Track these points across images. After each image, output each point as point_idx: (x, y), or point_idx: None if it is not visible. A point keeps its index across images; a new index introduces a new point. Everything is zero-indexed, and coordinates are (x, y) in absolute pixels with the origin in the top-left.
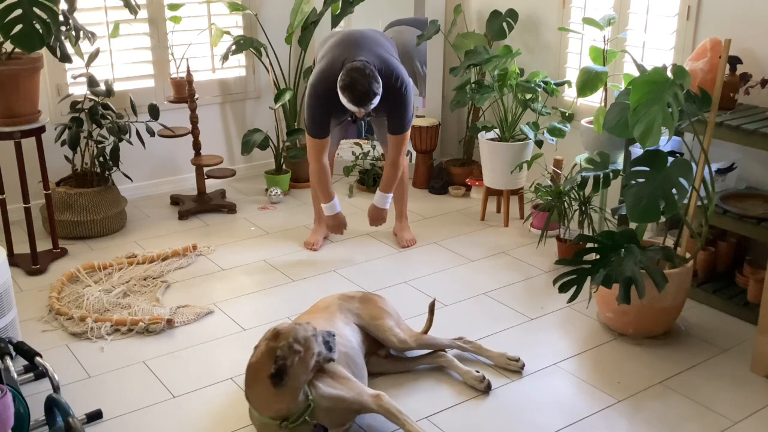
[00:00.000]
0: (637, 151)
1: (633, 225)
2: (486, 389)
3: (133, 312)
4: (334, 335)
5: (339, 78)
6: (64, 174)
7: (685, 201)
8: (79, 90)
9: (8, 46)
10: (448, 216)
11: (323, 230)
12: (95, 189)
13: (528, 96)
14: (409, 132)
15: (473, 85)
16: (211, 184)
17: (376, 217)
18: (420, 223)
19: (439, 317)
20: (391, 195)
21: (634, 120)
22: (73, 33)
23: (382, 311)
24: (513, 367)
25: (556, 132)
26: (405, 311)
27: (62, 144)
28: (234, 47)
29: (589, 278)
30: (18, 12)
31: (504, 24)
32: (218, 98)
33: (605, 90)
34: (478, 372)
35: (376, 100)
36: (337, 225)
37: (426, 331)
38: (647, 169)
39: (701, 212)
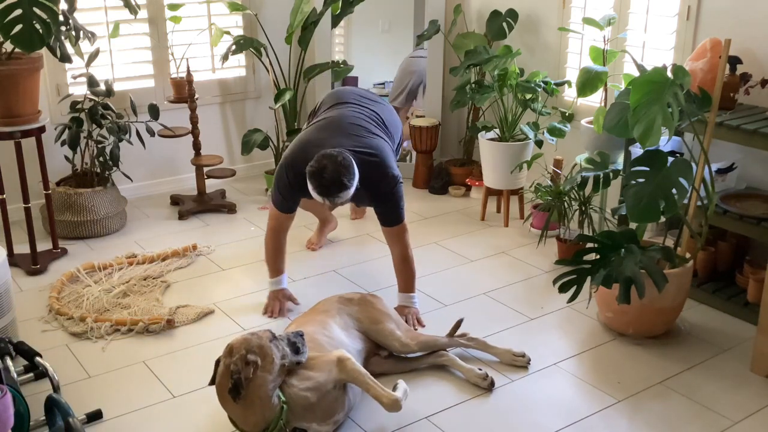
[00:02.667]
0: (637, 151)
1: (633, 225)
2: (489, 386)
3: (133, 312)
4: (302, 334)
5: (309, 164)
6: (64, 174)
7: (685, 201)
8: (79, 90)
9: (8, 46)
10: (448, 216)
11: (326, 230)
12: (95, 189)
13: (528, 96)
14: (406, 221)
15: (473, 85)
16: (211, 184)
17: (407, 312)
18: (420, 223)
19: (439, 317)
20: (416, 295)
21: (634, 120)
22: (73, 33)
23: (382, 313)
24: (519, 363)
25: (556, 132)
26: None
27: (62, 144)
28: (234, 47)
29: (589, 278)
30: (18, 12)
31: (504, 24)
32: (218, 98)
33: (605, 90)
34: (480, 370)
35: (345, 194)
36: (277, 299)
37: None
38: (647, 169)
39: (701, 212)
